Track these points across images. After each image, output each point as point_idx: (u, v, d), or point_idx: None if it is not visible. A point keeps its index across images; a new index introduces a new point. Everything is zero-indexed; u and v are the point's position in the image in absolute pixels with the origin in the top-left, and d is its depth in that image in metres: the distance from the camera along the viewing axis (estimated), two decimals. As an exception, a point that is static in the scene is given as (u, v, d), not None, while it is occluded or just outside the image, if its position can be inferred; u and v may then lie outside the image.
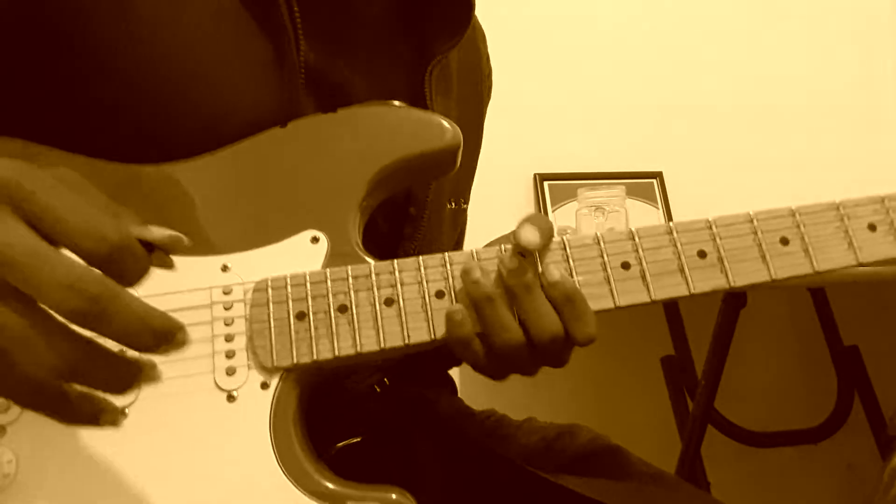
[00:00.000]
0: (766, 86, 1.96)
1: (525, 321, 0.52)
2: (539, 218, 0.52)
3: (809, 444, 1.67)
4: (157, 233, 0.40)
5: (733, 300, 1.48)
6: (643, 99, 1.88)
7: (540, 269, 0.52)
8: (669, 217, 1.82)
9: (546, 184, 1.79)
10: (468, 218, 0.81)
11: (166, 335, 0.38)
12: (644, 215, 1.78)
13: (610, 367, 1.63)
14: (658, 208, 1.82)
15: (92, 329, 0.36)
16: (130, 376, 0.39)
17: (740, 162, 1.91)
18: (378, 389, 0.70)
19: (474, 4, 0.66)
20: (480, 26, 0.79)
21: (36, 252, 0.35)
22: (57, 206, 0.36)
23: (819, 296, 1.72)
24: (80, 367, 0.37)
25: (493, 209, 1.73)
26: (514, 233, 0.52)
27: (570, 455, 0.70)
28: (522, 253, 0.52)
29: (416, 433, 0.71)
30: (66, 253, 0.36)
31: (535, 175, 1.80)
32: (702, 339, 1.57)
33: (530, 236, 0.51)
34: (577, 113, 1.85)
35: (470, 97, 0.75)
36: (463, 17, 0.66)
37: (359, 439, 0.66)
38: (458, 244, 0.80)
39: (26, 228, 0.35)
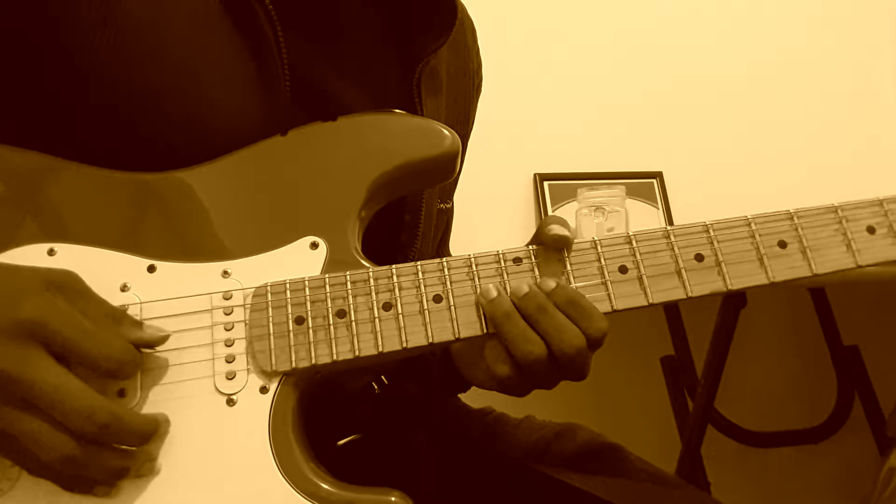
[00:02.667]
0: (766, 86, 1.96)
1: (547, 339, 0.52)
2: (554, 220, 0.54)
3: (809, 444, 1.67)
4: (149, 335, 0.49)
5: (733, 300, 1.48)
6: (643, 99, 1.88)
7: (538, 280, 0.53)
8: (669, 217, 1.82)
9: (546, 184, 1.79)
10: (467, 218, 0.81)
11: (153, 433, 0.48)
12: (644, 215, 1.78)
13: (610, 367, 1.62)
14: (658, 208, 1.82)
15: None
16: (122, 470, 0.48)
17: (740, 162, 1.90)
18: (376, 388, 0.70)
19: (458, 5, 0.66)
20: (470, 21, 0.79)
21: (59, 386, 0.44)
22: (74, 338, 0.45)
23: (819, 296, 1.73)
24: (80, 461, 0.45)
25: (494, 209, 1.74)
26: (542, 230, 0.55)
27: (569, 454, 0.70)
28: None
29: (414, 431, 0.71)
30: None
31: (535, 175, 1.80)
32: (702, 339, 1.57)
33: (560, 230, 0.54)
34: (577, 113, 1.85)
35: (459, 96, 0.75)
36: (447, 18, 0.66)
37: (358, 436, 0.66)
38: (442, 241, 0.80)
39: (54, 363, 0.44)
